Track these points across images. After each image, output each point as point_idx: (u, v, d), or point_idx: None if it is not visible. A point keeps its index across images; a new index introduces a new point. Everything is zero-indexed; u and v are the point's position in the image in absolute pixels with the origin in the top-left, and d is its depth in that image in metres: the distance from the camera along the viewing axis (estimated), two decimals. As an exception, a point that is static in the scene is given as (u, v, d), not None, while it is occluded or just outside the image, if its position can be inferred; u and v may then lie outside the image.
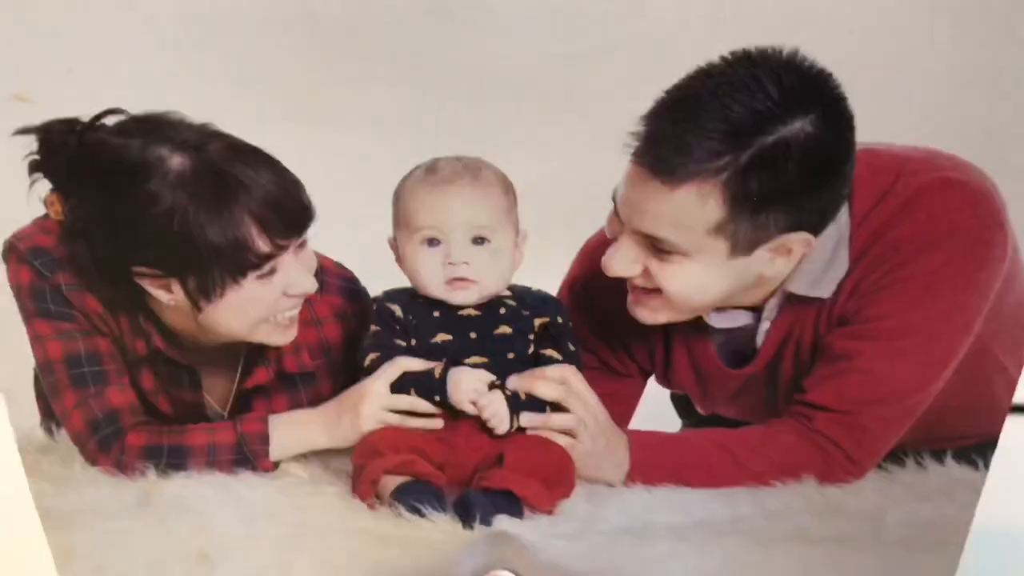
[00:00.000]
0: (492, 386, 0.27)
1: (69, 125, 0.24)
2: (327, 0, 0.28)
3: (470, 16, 0.28)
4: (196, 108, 0.24)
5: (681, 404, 0.29)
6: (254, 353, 0.27)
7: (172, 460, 0.28)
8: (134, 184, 0.24)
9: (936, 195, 0.25)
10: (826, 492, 0.28)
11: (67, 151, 0.24)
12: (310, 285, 0.26)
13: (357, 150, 0.26)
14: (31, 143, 0.24)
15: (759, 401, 0.28)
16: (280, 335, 0.27)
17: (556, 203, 0.27)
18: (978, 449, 0.28)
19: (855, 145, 0.24)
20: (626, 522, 0.28)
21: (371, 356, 0.27)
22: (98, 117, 0.24)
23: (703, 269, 0.25)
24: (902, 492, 0.29)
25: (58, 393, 0.28)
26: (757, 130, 0.23)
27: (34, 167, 0.25)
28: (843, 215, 0.25)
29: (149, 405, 0.28)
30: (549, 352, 0.26)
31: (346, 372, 0.27)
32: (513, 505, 0.27)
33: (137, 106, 0.24)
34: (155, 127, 0.23)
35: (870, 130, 0.26)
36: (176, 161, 0.24)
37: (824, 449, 0.28)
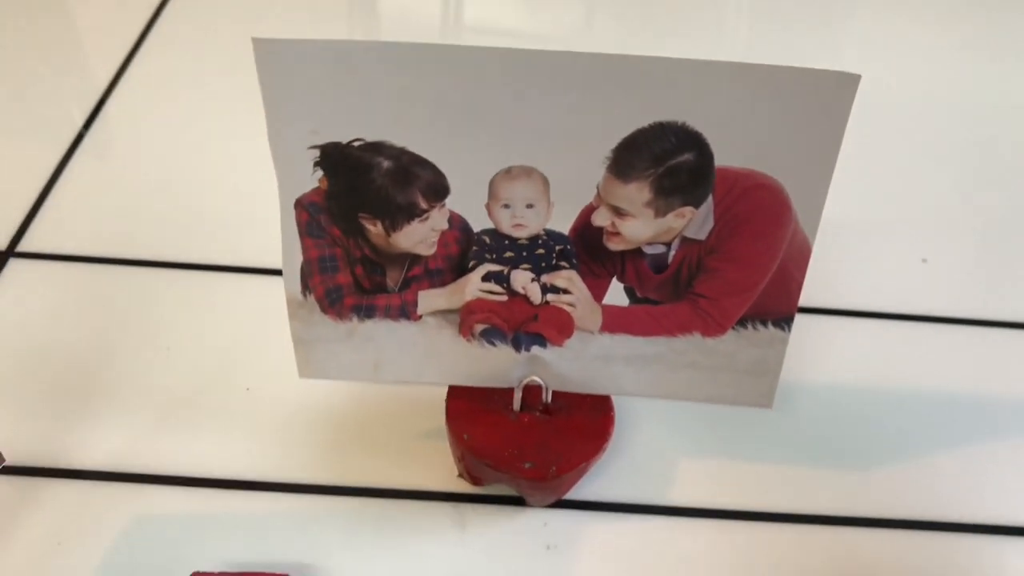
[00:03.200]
0: (532, 280, 0.43)
1: (335, 145, 0.42)
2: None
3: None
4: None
5: (629, 291, 0.44)
6: (414, 258, 0.43)
7: (366, 313, 0.43)
8: (363, 174, 0.40)
9: (755, 192, 0.42)
10: (706, 341, 0.43)
11: (333, 157, 0.43)
12: (445, 224, 0.41)
13: (477, 159, 0.41)
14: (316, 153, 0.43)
15: (669, 291, 0.43)
16: (428, 250, 0.43)
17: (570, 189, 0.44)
18: (785, 319, 0.42)
19: (714, 167, 0.43)
20: (599, 352, 0.44)
21: (472, 262, 0.42)
22: (350, 142, 0.43)
23: (641, 223, 0.42)
24: (746, 342, 0.43)
25: (311, 275, 0.42)
26: (666, 158, 0.37)
27: (316, 165, 0.44)
28: (709, 199, 0.43)
29: (359, 284, 0.43)
30: (563, 263, 0.42)
31: (459, 270, 0.42)
32: (541, 341, 0.44)
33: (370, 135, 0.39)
34: (376, 147, 0.41)
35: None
36: (385, 164, 0.40)
37: (704, 318, 0.43)
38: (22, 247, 0.60)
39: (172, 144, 0.69)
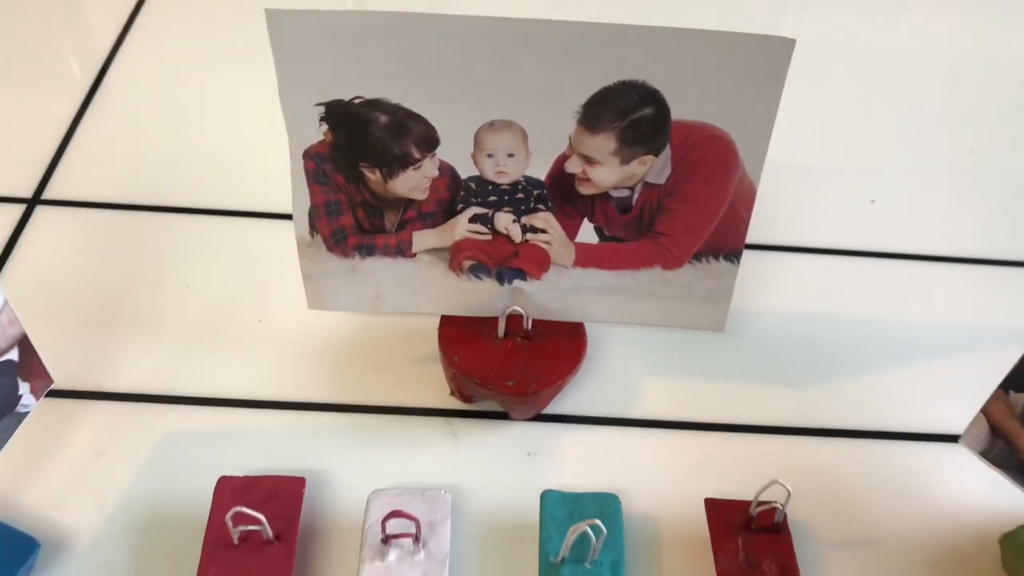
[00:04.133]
0: (513, 221, 0.48)
1: (339, 103, 0.47)
2: None
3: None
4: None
5: (598, 230, 0.48)
6: (408, 202, 0.47)
7: (367, 251, 0.47)
8: (363, 128, 0.45)
9: (707, 142, 0.45)
10: (665, 274, 0.48)
11: (336, 113, 0.47)
12: (436, 172, 0.45)
13: (464, 113, 0.46)
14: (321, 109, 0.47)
15: (633, 230, 0.47)
16: (421, 195, 0.49)
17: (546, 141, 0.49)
18: (735, 254, 0.47)
19: (671, 120, 0.47)
20: (572, 284, 0.49)
21: (460, 206, 0.47)
22: (351, 99, 0.48)
23: (608, 170, 0.47)
24: (701, 274, 0.48)
25: (318, 218, 0.47)
26: (629, 112, 0.41)
27: (321, 119, 0.48)
28: (667, 148, 0.48)
29: (360, 225, 0.48)
30: (540, 206, 0.47)
31: (449, 213, 0.46)
32: (522, 275, 0.49)
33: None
34: (375, 104, 0.45)
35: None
36: (383, 119, 0.44)
37: (664, 253, 0.48)
38: (46, 195, 0.65)
39: (181, 96, 0.73)
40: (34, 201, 0.64)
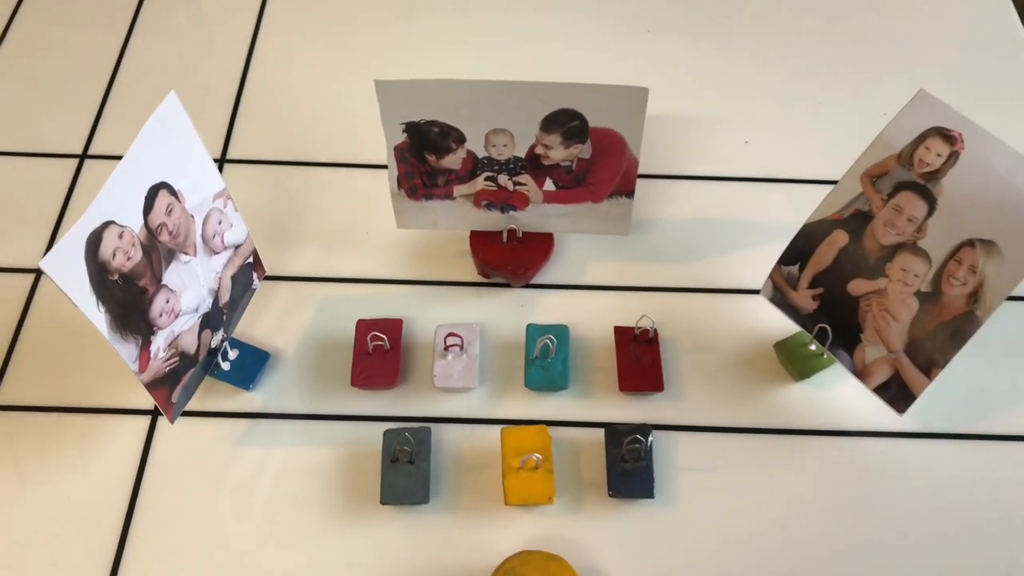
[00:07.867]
0: (508, 179, 0.76)
1: (413, 123, 0.79)
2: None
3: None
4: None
5: (555, 183, 0.72)
6: (450, 171, 0.74)
7: (428, 197, 0.75)
8: (425, 134, 0.71)
9: (609, 137, 0.69)
10: (594, 205, 0.72)
11: (411, 127, 0.78)
12: (464, 155, 0.69)
13: (480, 125, 0.84)
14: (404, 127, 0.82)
15: (574, 183, 0.71)
16: (457, 167, 0.71)
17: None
18: (630, 193, 0.75)
19: (589, 127, 0.79)
20: (543, 212, 0.75)
21: (479, 172, 0.74)
22: (419, 121, 0.82)
23: (558, 152, 0.71)
24: (613, 205, 0.72)
25: (401, 180, 0.81)
26: (567, 124, 0.65)
27: (403, 131, 0.80)
28: (589, 141, 0.76)
29: (424, 184, 0.81)
30: (523, 171, 0.71)
31: (472, 176, 0.70)
32: (514, 208, 0.77)
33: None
34: (431, 123, 0.74)
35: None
36: (435, 129, 0.69)
37: (592, 193, 0.75)
38: (229, 156, 1.01)
39: (310, 79, 1.05)
40: (222, 161, 1.01)
